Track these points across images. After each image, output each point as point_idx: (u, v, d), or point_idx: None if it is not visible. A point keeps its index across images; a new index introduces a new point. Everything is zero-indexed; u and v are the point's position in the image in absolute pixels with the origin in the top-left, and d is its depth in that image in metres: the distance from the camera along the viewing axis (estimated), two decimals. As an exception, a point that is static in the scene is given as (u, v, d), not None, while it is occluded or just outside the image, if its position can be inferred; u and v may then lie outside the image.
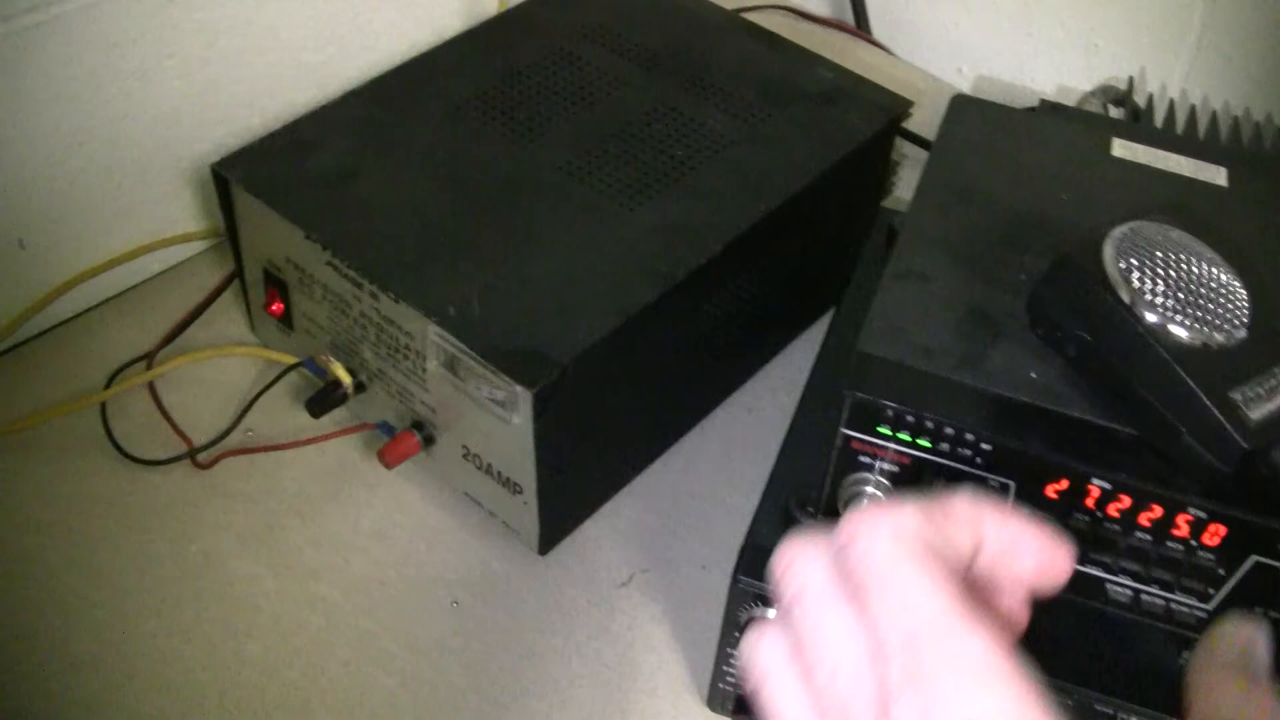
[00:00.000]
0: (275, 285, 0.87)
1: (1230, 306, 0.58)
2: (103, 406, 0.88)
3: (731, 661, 0.71)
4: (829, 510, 0.64)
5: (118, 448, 0.87)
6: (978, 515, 0.45)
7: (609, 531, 0.85)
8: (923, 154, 1.05)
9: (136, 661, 0.76)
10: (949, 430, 0.60)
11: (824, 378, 0.79)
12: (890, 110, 0.92)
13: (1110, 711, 0.63)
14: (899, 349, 0.62)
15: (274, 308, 0.88)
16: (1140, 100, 0.99)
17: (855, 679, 0.41)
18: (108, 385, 0.90)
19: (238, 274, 0.91)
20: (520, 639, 0.79)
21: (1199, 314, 0.58)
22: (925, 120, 0.95)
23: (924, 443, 0.61)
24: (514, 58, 0.94)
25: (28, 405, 0.89)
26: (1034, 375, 0.61)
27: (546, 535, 0.82)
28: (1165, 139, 0.84)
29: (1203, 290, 0.58)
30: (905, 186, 0.98)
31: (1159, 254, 0.59)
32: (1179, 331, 0.57)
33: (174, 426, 0.88)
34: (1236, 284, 0.59)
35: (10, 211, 0.89)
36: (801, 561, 0.44)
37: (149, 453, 0.86)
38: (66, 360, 0.92)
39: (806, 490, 0.68)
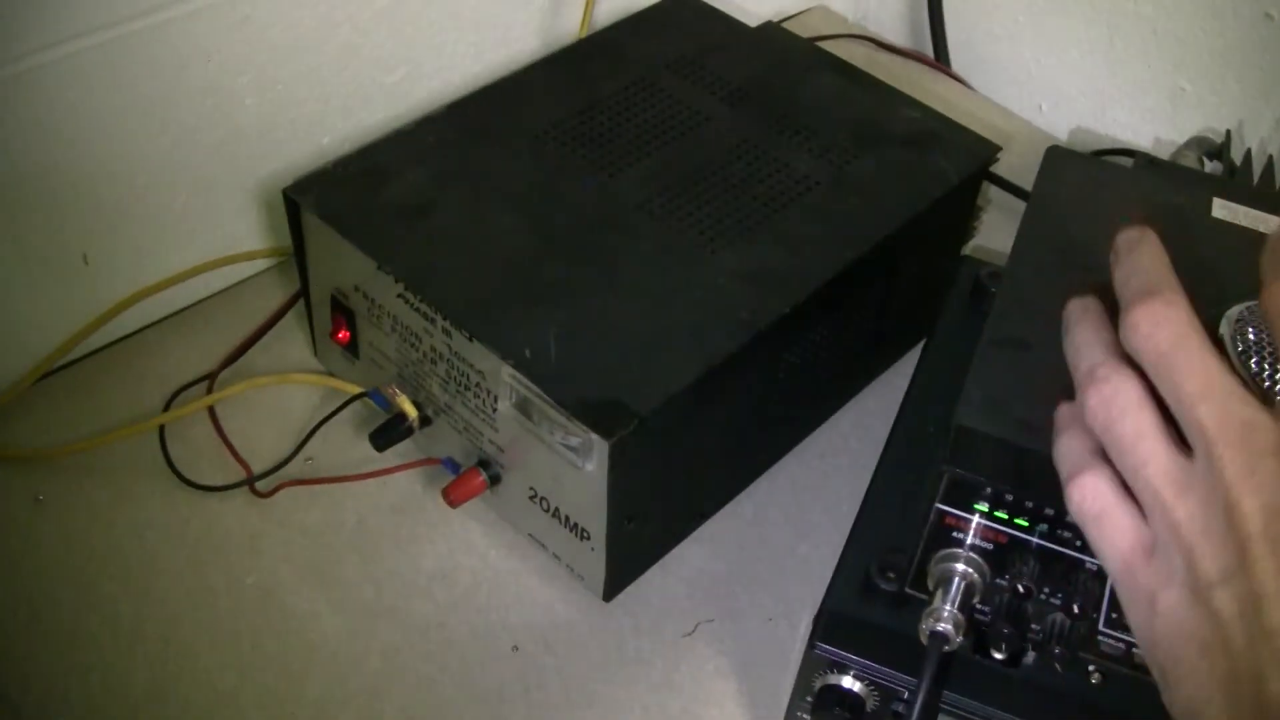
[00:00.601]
0: (342, 313, 0.85)
1: None
2: (161, 429, 0.87)
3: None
4: (917, 584, 0.62)
5: (176, 472, 0.85)
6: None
7: (675, 580, 0.83)
8: (1005, 198, 1.03)
9: (190, 696, 0.75)
10: (1049, 511, 0.57)
11: (908, 437, 0.76)
12: (979, 155, 0.89)
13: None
14: (998, 423, 0.59)
15: (340, 335, 0.87)
16: (1235, 153, 0.96)
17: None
18: (167, 407, 0.88)
19: (303, 297, 0.89)
20: (582, 688, 0.77)
21: None
22: (1006, 162, 0.92)
23: (1022, 521, 0.58)
24: (596, 86, 0.92)
25: (86, 425, 0.87)
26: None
27: (612, 582, 0.79)
28: (1266, 200, 0.81)
29: None
30: (987, 230, 0.96)
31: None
32: None
33: (233, 452, 0.86)
34: None
35: (75, 226, 0.87)
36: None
37: (207, 479, 0.85)
38: (126, 379, 0.91)
39: (889, 556, 0.66)
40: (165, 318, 0.95)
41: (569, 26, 1.06)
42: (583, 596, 0.81)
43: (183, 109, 0.88)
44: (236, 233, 0.97)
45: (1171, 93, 1.13)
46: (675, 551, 0.84)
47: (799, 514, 0.86)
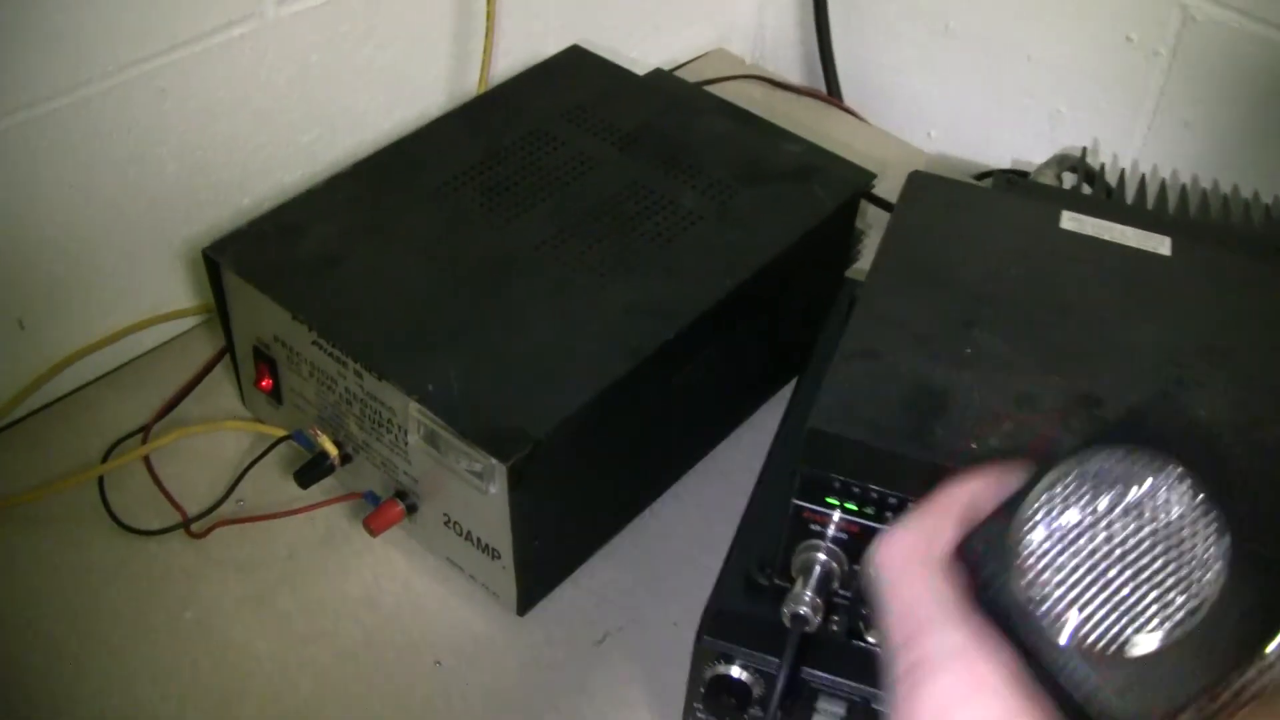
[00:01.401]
0: (265, 362, 0.91)
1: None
2: (100, 480, 0.92)
3: (699, 715, 0.74)
4: (783, 575, 0.68)
5: (115, 519, 0.90)
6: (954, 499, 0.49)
7: (585, 592, 0.88)
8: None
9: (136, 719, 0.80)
10: (893, 501, 0.63)
11: (782, 449, 0.83)
12: (855, 184, 0.96)
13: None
14: (847, 425, 0.65)
15: (264, 383, 0.92)
16: (1098, 168, 1.03)
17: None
18: (105, 459, 0.94)
19: (229, 350, 0.94)
20: (502, 697, 0.83)
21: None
22: (893, 187, 0.99)
23: (870, 512, 0.64)
24: (495, 138, 0.98)
25: (28, 479, 0.92)
26: (974, 446, 0.65)
27: (525, 597, 0.85)
28: (1113, 210, 0.88)
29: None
30: (871, 253, 1.02)
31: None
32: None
33: (169, 498, 0.91)
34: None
35: (10, 293, 0.93)
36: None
37: (145, 523, 0.90)
38: (65, 435, 0.96)
39: (765, 555, 0.72)
40: (101, 376, 1.01)
41: (469, 81, 1.12)
42: (498, 612, 0.87)
43: (108, 178, 0.94)
44: (165, 293, 1.02)
45: (1050, 115, 1.20)
46: (584, 566, 0.90)
47: (701, 527, 0.91)
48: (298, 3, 0.99)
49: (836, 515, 0.65)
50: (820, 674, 0.69)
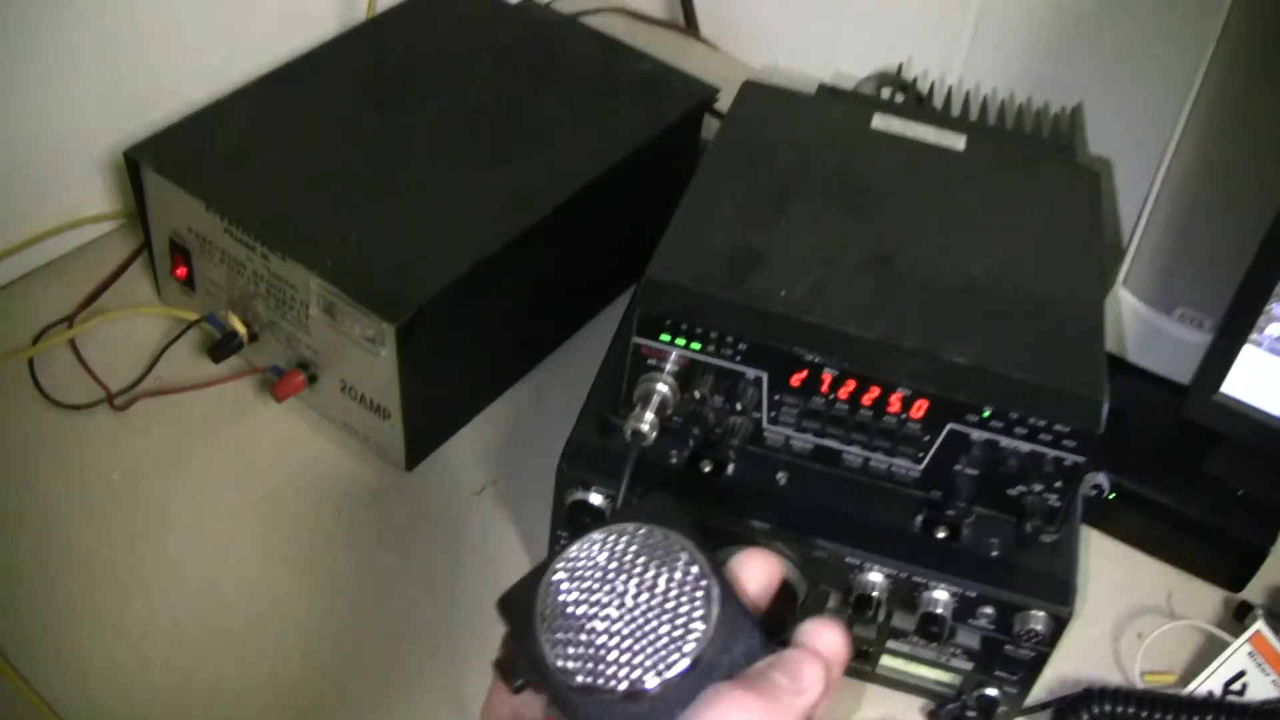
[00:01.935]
0: (179, 253, 1.02)
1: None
2: (30, 361, 1.03)
3: (561, 539, 0.87)
4: (627, 404, 0.81)
5: (45, 395, 1.01)
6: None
7: (467, 450, 1.01)
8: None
9: (73, 565, 0.91)
10: (714, 334, 0.77)
11: (629, 308, 0.96)
12: (698, 95, 1.09)
13: (857, 562, 0.81)
14: (678, 274, 0.79)
15: (178, 272, 1.04)
16: (913, 80, 1.17)
17: None
18: (34, 343, 1.05)
19: (146, 245, 1.06)
20: (392, 538, 0.95)
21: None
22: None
23: (696, 345, 0.78)
24: (383, 55, 1.11)
25: (-37, 363, 1.03)
26: (783, 293, 0.78)
27: (412, 453, 0.98)
28: (920, 114, 1.02)
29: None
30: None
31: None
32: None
33: (94, 376, 1.02)
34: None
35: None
36: None
37: (73, 400, 1.01)
38: (-3, 324, 1.07)
39: (615, 395, 0.85)
40: (28, 274, 1.11)
41: (359, 7, 1.24)
42: (389, 468, 0.99)
43: (30, 93, 1.05)
44: (85, 199, 1.13)
45: (882, 38, 1.32)
46: (467, 428, 1.03)
47: (571, 394, 1.01)
48: (204, -66, 1.10)
49: (671, 352, 0.79)
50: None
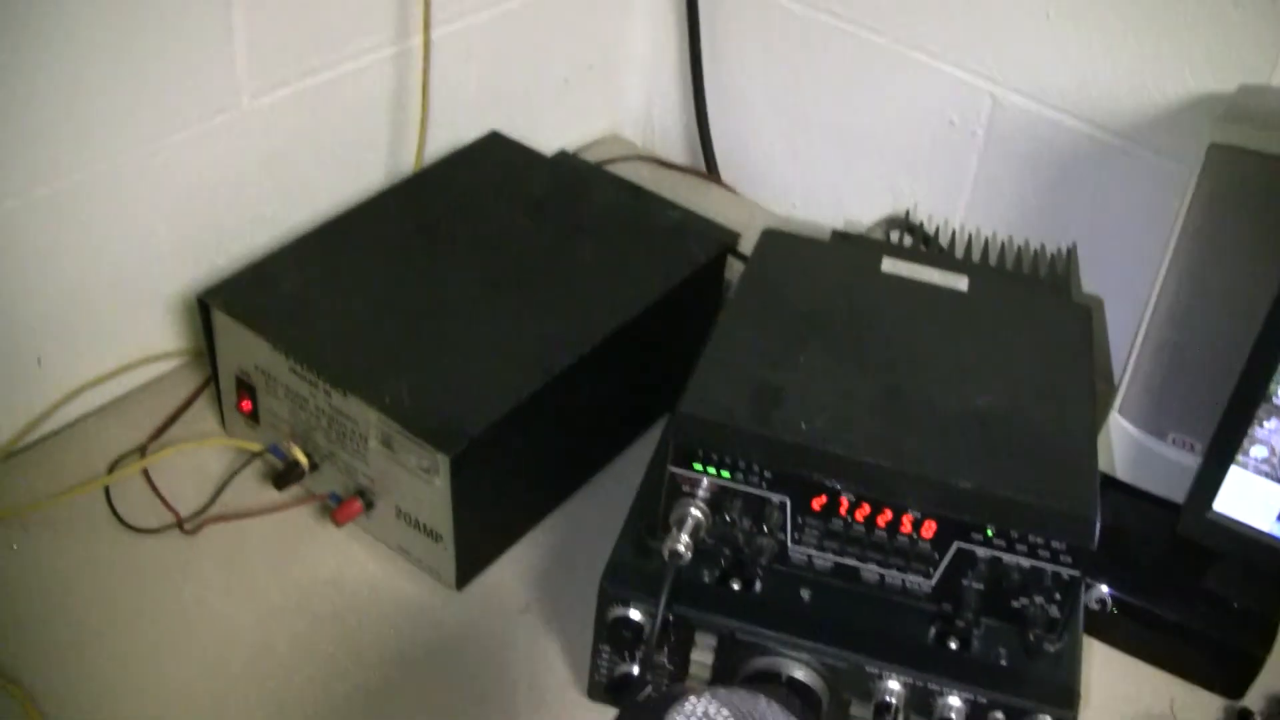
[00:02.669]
0: (245, 388, 1.11)
1: None
2: (106, 489, 1.11)
3: (603, 653, 0.95)
4: (664, 527, 0.89)
5: (120, 520, 1.09)
6: None
7: (513, 570, 1.09)
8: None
9: (147, 677, 0.98)
10: (742, 464, 0.85)
11: (662, 449, 1.04)
12: (721, 242, 1.19)
13: (875, 671, 0.88)
14: (708, 409, 0.87)
15: (244, 406, 1.12)
16: (919, 225, 1.26)
17: None
18: (109, 471, 1.13)
19: (213, 380, 1.15)
20: (445, 652, 1.02)
21: None
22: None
23: (726, 474, 0.86)
24: (430, 207, 1.20)
25: (45, 490, 1.10)
26: (804, 426, 0.87)
27: (462, 574, 1.05)
28: (925, 257, 1.11)
29: None
30: (741, 300, 1.24)
31: None
32: None
33: (165, 503, 1.10)
34: None
35: (31, 336, 1.12)
36: None
37: (145, 524, 1.08)
38: (75, 454, 1.14)
39: (653, 520, 0.93)
40: (103, 406, 1.20)
41: (406, 162, 1.34)
42: (440, 588, 1.06)
43: (113, 241, 1.14)
44: (155, 337, 1.22)
45: (891, 186, 1.42)
46: (513, 549, 1.10)
47: (610, 516, 1.05)
48: (267, 96, 1.20)
49: (703, 479, 0.87)
50: (697, 612, 0.90)
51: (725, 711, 0.63)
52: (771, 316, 0.98)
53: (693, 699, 0.64)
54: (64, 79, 1.04)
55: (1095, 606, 1.04)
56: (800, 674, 0.88)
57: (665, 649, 0.92)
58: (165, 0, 1.08)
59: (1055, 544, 0.83)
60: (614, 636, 0.92)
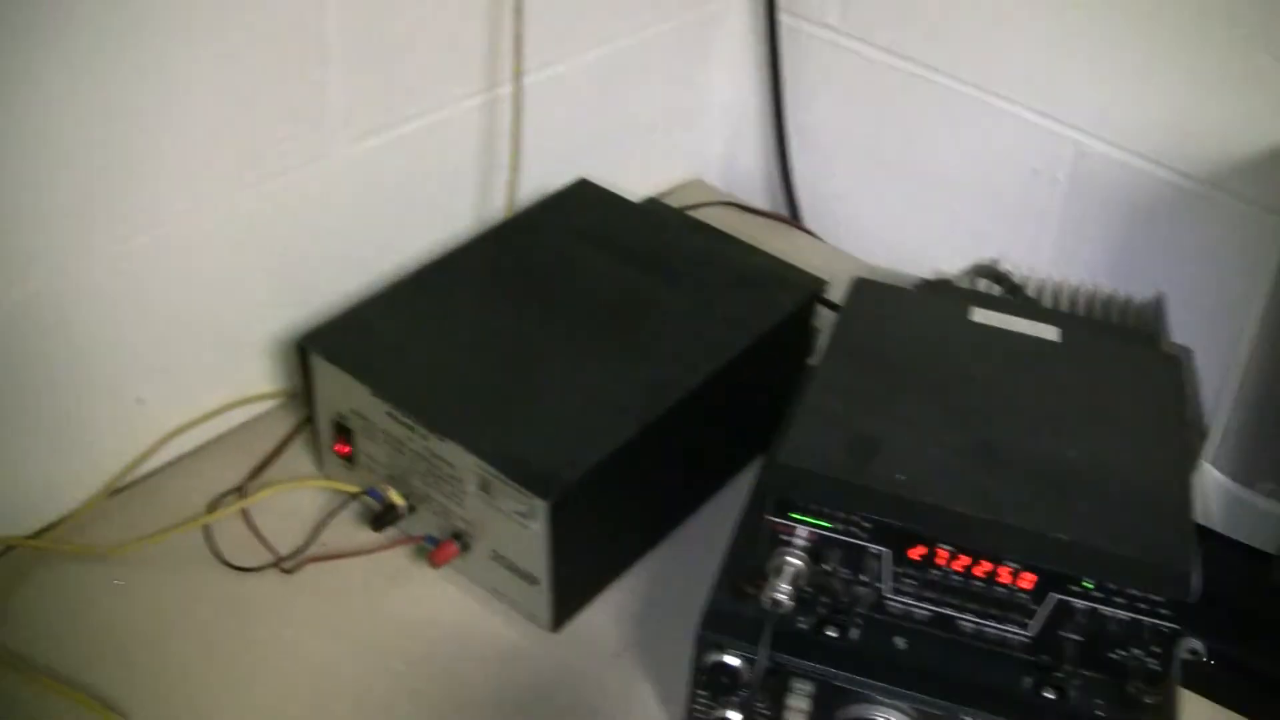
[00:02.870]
0: (342, 431, 1.13)
1: None
2: (206, 528, 1.14)
3: (699, 698, 0.96)
4: (764, 576, 0.90)
5: (221, 559, 1.11)
6: None
7: (606, 614, 1.10)
8: (841, 320, 1.33)
9: (247, 711, 1.00)
10: (841, 514, 0.87)
11: (756, 495, 1.05)
12: (809, 289, 1.20)
13: (972, 720, 0.89)
14: (806, 460, 0.89)
15: (341, 449, 1.14)
16: (1006, 273, 1.27)
17: None
18: (209, 510, 1.15)
19: (311, 422, 1.17)
20: (540, 694, 1.04)
21: None
22: (844, 292, 1.22)
23: (824, 524, 0.87)
24: (522, 253, 1.22)
25: (147, 528, 1.12)
26: (900, 477, 0.88)
27: (557, 616, 1.07)
28: (1015, 306, 1.12)
29: None
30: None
31: None
32: None
33: (264, 542, 1.13)
34: None
35: (132, 377, 1.15)
36: None
37: (245, 563, 1.11)
38: (175, 492, 1.17)
39: (748, 570, 0.94)
40: (201, 446, 1.23)
41: (496, 208, 1.36)
42: (535, 630, 1.08)
43: (212, 285, 1.17)
44: (252, 379, 1.25)
45: (973, 233, 1.44)
46: (607, 592, 1.12)
47: (704, 558, 1.07)
48: (359, 145, 1.22)
49: (801, 529, 0.88)
50: (794, 659, 0.91)
51: None
52: (865, 366, 0.99)
53: None
54: (163, 127, 1.07)
55: (1189, 658, 1.04)
56: (895, 722, 0.89)
57: (762, 696, 0.92)
58: (263, 51, 1.11)
59: (1153, 596, 0.84)
60: (711, 682, 0.93)
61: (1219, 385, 1.07)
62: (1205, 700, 1.06)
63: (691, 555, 1.14)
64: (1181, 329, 1.26)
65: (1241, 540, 1.08)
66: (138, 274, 1.11)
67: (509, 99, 1.31)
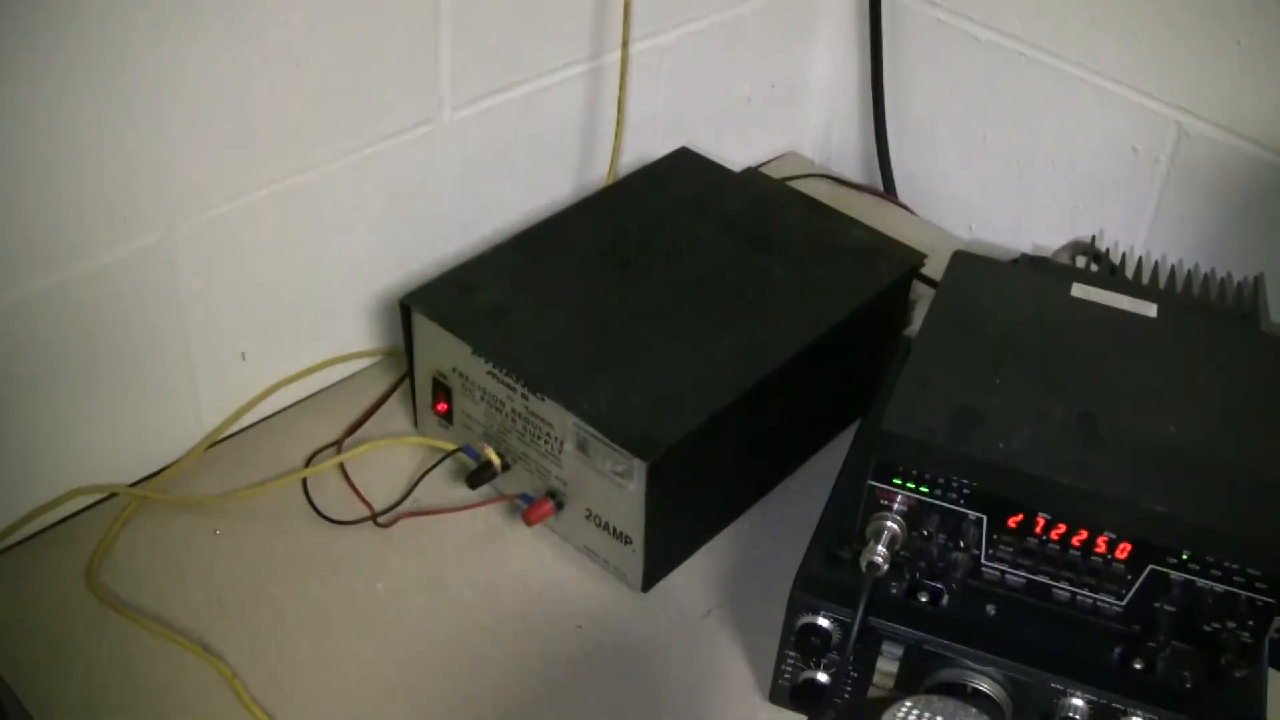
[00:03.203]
0: (442, 389, 1.15)
1: None
2: (304, 481, 1.16)
3: (790, 658, 0.97)
4: (859, 541, 0.91)
5: (318, 512, 1.13)
6: None
7: (695, 576, 1.11)
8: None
9: (341, 659, 1.02)
10: (941, 480, 0.87)
11: (855, 456, 1.06)
12: (908, 262, 1.20)
13: (1060, 688, 0.89)
14: (909, 428, 0.89)
15: (439, 407, 1.16)
16: (1104, 251, 1.27)
17: None
18: (307, 465, 1.17)
19: (409, 380, 1.19)
20: (628, 654, 1.05)
21: None
22: (939, 267, 1.22)
23: (924, 490, 0.88)
24: (623, 219, 1.23)
25: (247, 480, 1.15)
26: (1001, 445, 0.88)
27: (648, 577, 1.08)
28: (1114, 283, 1.12)
29: None
30: (921, 317, 1.25)
31: None
32: None
33: (360, 497, 1.15)
34: None
35: (236, 332, 1.17)
36: None
37: (341, 516, 1.13)
38: (274, 446, 1.20)
39: (843, 534, 0.95)
40: (300, 400, 1.25)
41: (596, 175, 1.38)
42: (626, 590, 1.09)
43: (317, 243, 1.19)
44: (352, 337, 1.27)
45: (1070, 211, 1.43)
46: (697, 554, 1.13)
47: (794, 524, 1.11)
48: (465, 110, 1.24)
49: (901, 494, 0.89)
50: (885, 622, 0.92)
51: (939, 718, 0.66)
52: (966, 338, 1.00)
53: (907, 703, 0.67)
54: (274, 89, 1.09)
55: (1276, 636, 1.04)
56: (985, 687, 0.90)
57: (852, 658, 0.93)
58: (376, 13, 1.12)
59: (1251, 570, 0.84)
60: (801, 643, 0.94)
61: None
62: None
63: (778, 521, 1.16)
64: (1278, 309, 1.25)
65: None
66: (243, 231, 1.13)
67: (614, 67, 1.32)
